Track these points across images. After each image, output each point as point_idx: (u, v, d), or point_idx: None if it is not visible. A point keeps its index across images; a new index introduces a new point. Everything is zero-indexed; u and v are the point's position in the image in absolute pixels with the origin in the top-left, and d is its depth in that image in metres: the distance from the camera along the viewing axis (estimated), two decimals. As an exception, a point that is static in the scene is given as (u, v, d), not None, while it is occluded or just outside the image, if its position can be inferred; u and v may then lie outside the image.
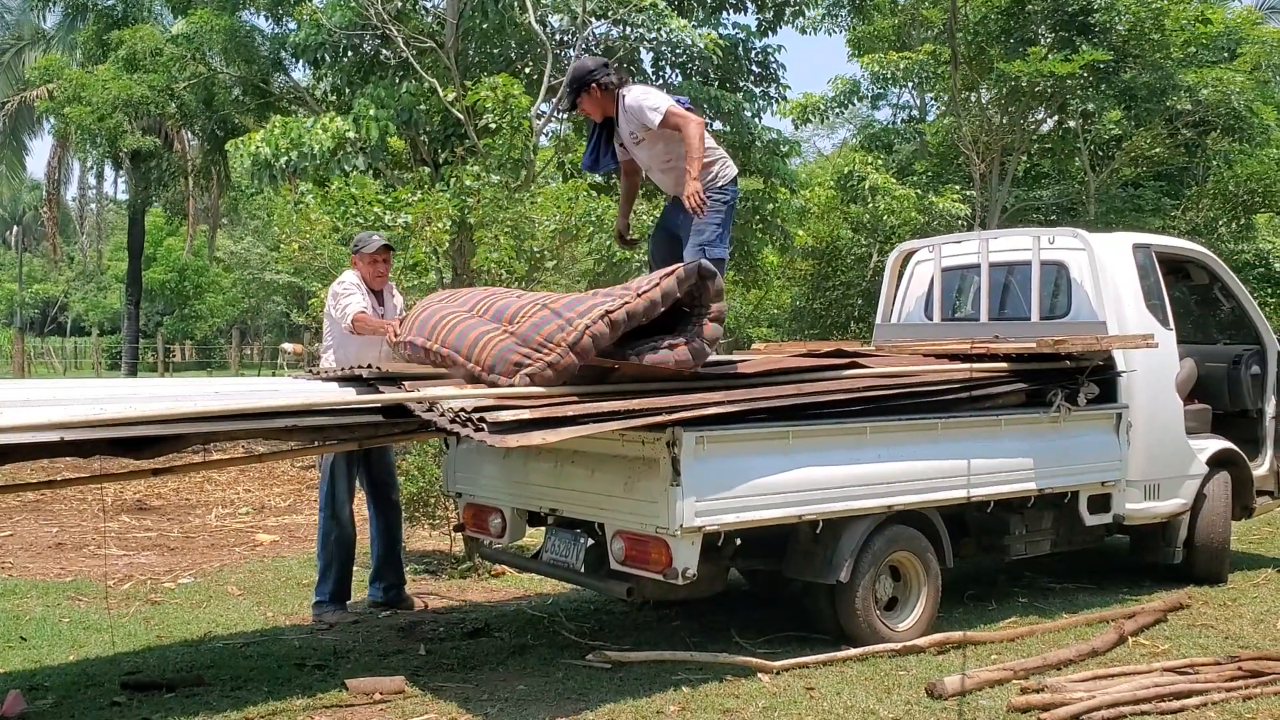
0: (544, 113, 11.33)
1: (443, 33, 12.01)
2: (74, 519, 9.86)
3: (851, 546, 5.37)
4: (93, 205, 56.10)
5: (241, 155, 11.03)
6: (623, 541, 5.03)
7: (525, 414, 4.51)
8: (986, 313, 7.22)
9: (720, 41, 12.92)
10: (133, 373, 23.03)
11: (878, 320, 8.02)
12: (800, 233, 16.36)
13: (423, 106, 11.50)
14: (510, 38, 12.21)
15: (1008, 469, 5.94)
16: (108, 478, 5.75)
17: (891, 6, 17.89)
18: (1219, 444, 7.14)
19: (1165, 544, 6.92)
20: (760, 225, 14.69)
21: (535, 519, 5.86)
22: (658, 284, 4.97)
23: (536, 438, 4.42)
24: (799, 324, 17.33)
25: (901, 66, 16.16)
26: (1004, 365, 6.16)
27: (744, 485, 4.96)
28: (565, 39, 12.80)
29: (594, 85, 5.63)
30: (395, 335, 5.54)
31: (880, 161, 16.52)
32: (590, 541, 5.38)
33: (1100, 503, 6.44)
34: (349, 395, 4.94)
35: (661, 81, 13.40)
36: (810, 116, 17.34)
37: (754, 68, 14.27)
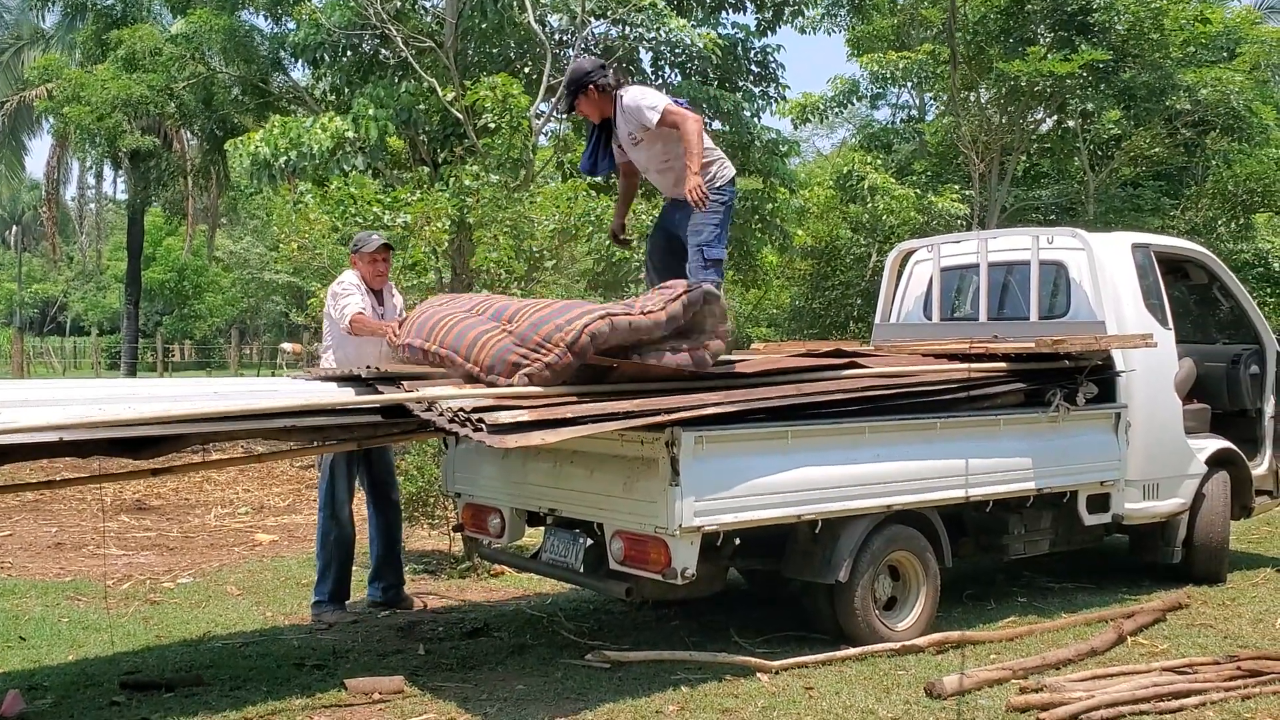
0: (543, 112, 11.32)
1: (442, 32, 12.00)
2: (73, 519, 9.86)
3: (850, 546, 5.37)
4: (92, 205, 56.04)
5: (241, 155, 11.03)
6: (622, 541, 5.03)
7: (524, 414, 4.51)
8: (985, 312, 7.22)
9: (719, 41, 12.92)
10: (132, 372, 23.00)
11: (876, 320, 8.01)
12: (799, 232, 16.36)
13: (422, 106, 11.51)
14: (509, 37, 12.20)
15: (1006, 469, 5.94)
16: (107, 478, 5.76)
17: (890, 6, 17.87)
18: (1218, 444, 7.14)
19: (1164, 543, 6.92)
20: (759, 225, 14.70)
21: (534, 519, 5.86)
22: (664, 308, 4.97)
23: (535, 438, 4.42)
24: (798, 324, 17.29)
25: (900, 66, 16.14)
26: (1003, 365, 6.16)
27: (743, 485, 4.97)
28: (564, 38, 12.79)
29: (591, 86, 5.64)
30: (394, 338, 5.55)
31: (879, 161, 16.49)
32: (589, 541, 5.39)
33: (1099, 502, 6.44)
34: (348, 395, 4.95)
35: (661, 81, 13.41)
36: (809, 116, 17.37)
37: (753, 67, 14.27)
